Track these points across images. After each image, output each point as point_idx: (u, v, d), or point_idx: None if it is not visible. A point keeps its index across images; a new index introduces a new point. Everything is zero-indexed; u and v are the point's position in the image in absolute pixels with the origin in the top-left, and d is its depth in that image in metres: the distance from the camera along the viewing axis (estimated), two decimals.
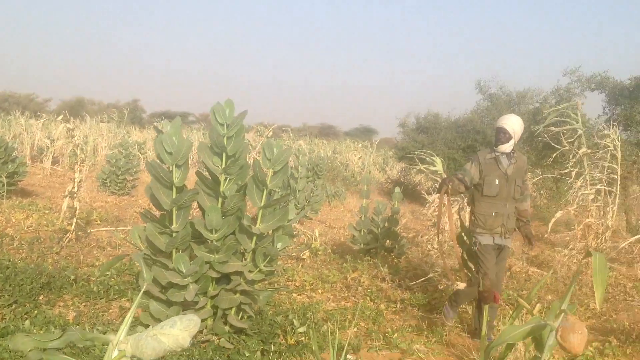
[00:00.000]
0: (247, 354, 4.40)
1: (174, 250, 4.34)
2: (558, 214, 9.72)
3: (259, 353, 4.49)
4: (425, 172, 10.62)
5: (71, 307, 5.41)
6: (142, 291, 2.29)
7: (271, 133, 25.48)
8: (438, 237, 6.20)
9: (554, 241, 11.31)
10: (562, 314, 1.96)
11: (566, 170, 10.14)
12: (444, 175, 9.21)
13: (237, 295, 4.54)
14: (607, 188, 10.06)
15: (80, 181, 8.29)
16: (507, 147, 5.41)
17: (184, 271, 4.20)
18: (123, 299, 5.70)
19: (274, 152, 4.28)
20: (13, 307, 5.11)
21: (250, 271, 4.47)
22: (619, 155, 10.11)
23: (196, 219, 4.34)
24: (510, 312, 6.25)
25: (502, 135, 5.39)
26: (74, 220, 7.91)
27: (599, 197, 10.09)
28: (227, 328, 4.61)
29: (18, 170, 11.99)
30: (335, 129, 59.87)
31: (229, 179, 4.33)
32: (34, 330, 4.56)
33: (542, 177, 13.63)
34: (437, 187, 5.74)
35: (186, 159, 4.14)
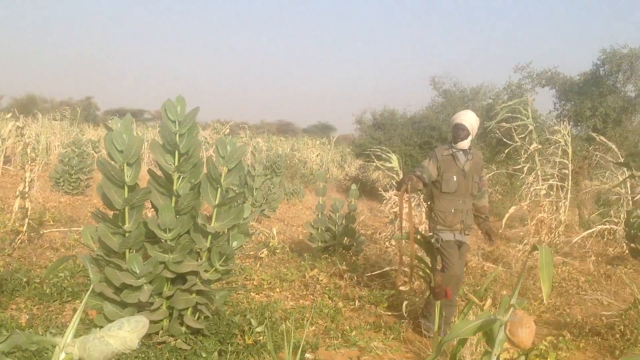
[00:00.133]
0: (204, 355, 4.34)
1: (127, 251, 4.25)
2: (511, 210, 9.89)
3: (216, 354, 4.43)
4: (382, 168, 10.67)
5: (24, 310, 5.26)
6: (88, 292, 2.21)
7: (228, 130, 25.36)
8: (401, 233, 6.21)
9: (509, 236, 11.49)
10: (511, 308, 1.97)
11: (519, 166, 10.33)
12: (400, 172, 9.27)
13: (193, 295, 4.47)
14: (559, 183, 10.27)
15: (31, 181, 8.09)
16: (465, 144, 5.45)
17: (138, 272, 4.11)
18: (77, 301, 5.58)
19: (228, 150, 4.22)
20: None
21: (206, 271, 4.40)
22: (569, 151, 10.34)
23: (149, 218, 4.25)
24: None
25: (461, 131, 5.42)
26: (26, 221, 7.70)
27: (551, 193, 10.30)
28: (183, 329, 4.54)
29: None
30: (293, 126, 59.78)
31: (182, 177, 4.25)
32: None
33: (496, 173, 13.85)
34: (396, 185, 5.75)
35: (138, 157, 4.05)
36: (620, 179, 11.20)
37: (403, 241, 6.28)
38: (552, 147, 10.60)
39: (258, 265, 7.80)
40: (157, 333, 4.53)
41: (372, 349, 5.10)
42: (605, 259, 9.72)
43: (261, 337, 4.83)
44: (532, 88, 14.69)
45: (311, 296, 6.64)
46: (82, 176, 13.95)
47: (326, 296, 6.58)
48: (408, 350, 5.25)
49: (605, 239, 11.17)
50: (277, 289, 6.78)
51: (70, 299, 5.62)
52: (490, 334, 2.26)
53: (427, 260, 5.66)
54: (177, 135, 4.14)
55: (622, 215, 10.66)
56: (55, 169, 14.05)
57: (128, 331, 1.76)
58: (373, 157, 11.13)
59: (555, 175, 10.37)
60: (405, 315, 5.94)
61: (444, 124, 17.15)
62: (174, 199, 4.28)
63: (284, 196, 15.83)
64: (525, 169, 10.19)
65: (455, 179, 5.37)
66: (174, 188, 4.24)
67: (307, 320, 5.59)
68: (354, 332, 5.41)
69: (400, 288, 5.42)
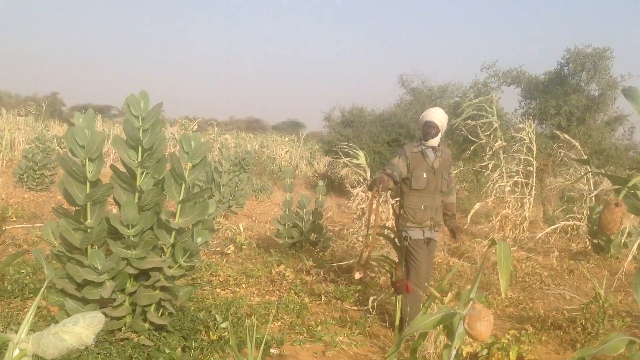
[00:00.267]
0: (167, 351, 4.30)
1: (89, 247, 4.20)
2: (477, 206, 10.01)
3: (179, 350, 4.41)
4: (349, 165, 10.71)
5: None
6: (42, 288, 2.19)
7: (196, 127, 25.21)
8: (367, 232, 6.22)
9: (474, 232, 11.62)
10: (470, 302, 2.00)
11: (484, 163, 10.45)
12: (367, 169, 9.31)
13: (157, 291, 4.44)
14: (523, 180, 10.42)
15: None
16: (435, 141, 5.48)
17: (100, 268, 4.07)
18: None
19: (192, 145, 4.19)
20: None
21: (169, 267, 4.37)
22: (534, 148, 10.50)
23: (112, 214, 4.21)
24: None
25: (431, 129, 5.43)
26: None
27: (516, 189, 10.44)
28: (146, 325, 4.50)
29: None
30: (262, 122, 59.65)
31: (146, 173, 4.21)
32: None
33: (463, 170, 13.98)
34: (369, 186, 5.75)
35: (100, 152, 4.00)
36: (584, 177, 11.38)
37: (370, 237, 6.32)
38: (517, 145, 10.75)
39: (224, 261, 7.77)
40: (119, 329, 4.48)
41: (338, 344, 5.12)
42: (568, 254, 9.89)
43: (226, 333, 4.81)
44: (498, 86, 14.86)
45: (277, 292, 6.64)
46: (47, 172, 13.73)
47: (292, 292, 6.59)
48: (373, 344, 5.28)
49: (568, 235, 11.37)
50: (243, 285, 6.77)
51: (32, 295, 5.54)
52: (450, 328, 2.29)
53: (394, 256, 5.70)
54: (141, 131, 4.10)
55: (584, 212, 10.86)
56: (19, 164, 13.80)
57: (83, 327, 1.74)
58: (340, 154, 11.16)
59: (520, 172, 10.52)
60: (372, 310, 5.98)
61: (412, 121, 17.24)
62: (137, 194, 4.25)
63: (252, 193, 15.79)
64: (490, 166, 10.32)
65: (424, 176, 5.39)
66: (137, 183, 4.20)
67: (272, 316, 5.59)
68: (319, 327, 5.43)
69: (356, 276, 5.43)
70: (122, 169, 4.31)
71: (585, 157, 10.86)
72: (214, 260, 7.77)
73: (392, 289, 5.45)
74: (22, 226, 8.75)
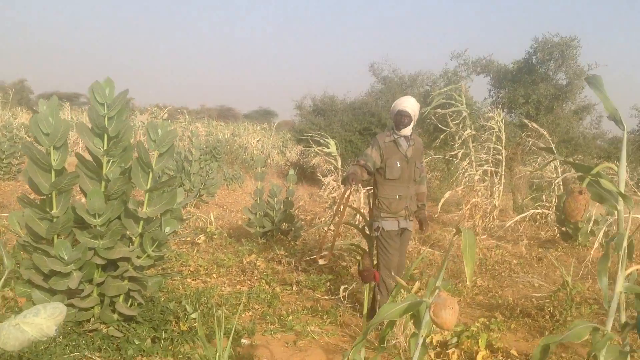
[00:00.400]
0: (136, 342, 4.27)
1: (55, 237, 4.13)
2: (447, 195, 10.07)
3: (149, 340, 4.37)
4: (320, 154, 10.69)
5: None
6: (2, 279, 2.15)
7: (167, 115, 24.95)
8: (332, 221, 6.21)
9: (445, 221, 11.70)
10: (436, 290, 2.00)
11: (454, 152, 10.51)
12: (338, 157, 9.30)
13: (125, 282, 4.39)
14: (493, 169, 10.50)
15: None
16: (408, 130, 5.44)
17: (66, 258, 4.01)
18: (6, 289, 5.38)
19: (159, 133, 4.13)
20: None
21: (138, 257, 4.32)
22: (503, 137, 10.58)
23: (78, 203, 4.14)
24: None
25: (405, 118, 5.39)
26: None
27: (486, 178, 10.52)
28: (115, 316, 4.46)
29: None
30: (234, 111, 59.04)
31: (112, 161, 4.15)
32: None
33: (433, 159, 14.05)
34: (341, 181, 5.72)
35: (65, 140, 3.93)
36: (552, 165, 11.52)
37: (342, 226, 6.32)
38: (486, 134, 10.83)
39: (195, 251, 7.72)
40: (88, 321, 4.44)
41: (309, 333, 5.12)
42: (537, 242, 10.00)
43: (196, 324, 4.78)
44: (467, 75, 14.89)
45: (248, 281, 6.62)
46: (14, 161, 13.53)
47: (264, 281, 6.57)
48: (344, 334, 5.29)
49: (537, 223, 11.50)
50: (214, 275, 6.73)
51: None
52: (417, 316, 2.29)
53: (366, 245, 5.70)
54: (106, 118, 4.03)
55: (553, 200, 10.99)
56: None
57: (44, 318, 1.71)
58: (311, 142, 11.12)
59: (490, 160, 10.60)
60: (343, 299, 5.98)
61: (384, 110, 17.24)
62: (103, 183, 4.18)
63: (223, 182, 15.70)
64: (460, 154, 10.38)
65: (398, 165, 5.35)
66: (104, 172, 4.14)
67: (242, 306, 5.56)
68: (290, 317, 5.42)
69: (320, 262, 5.42)
70: (88, 157, 4.24)
71: (553, 145, 10.96)
72: (184, 250, 7.71)
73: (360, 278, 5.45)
74: None
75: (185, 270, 6.77)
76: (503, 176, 10.74)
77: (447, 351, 4.61)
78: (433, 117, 11.31)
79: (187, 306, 4.92)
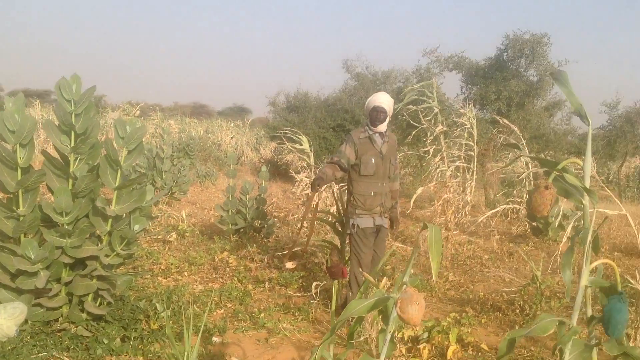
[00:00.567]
0: (106, 342, 4.22)
1: (22, 236, 4.07)
2: (419, 191, 10.12)
3: (118, 339, 4.33)
4: (294, 151, 10.68)
5: None
6: None
7: (139, 112, 24.71)
8: (302, 225, 6.21)
9: (418, 217, 11.76)
10: (403, 286, 2.01)
11: (427, 148, 10.56)
12: (311, 153, 9.29)
13: (94, 280, 4.34)
14: (465, 165, 10.58)
15: None
16: (384, 126, 5.43)
17: (33, 257, 3.95)
18: None
19: (128, 130, 4.09)
20: None
21: (106, 255, 4.28)
22: (475, 133, 10.66)
23: (45, 202, 4.08)
24: None
25: (381, 114, 5.37)
26: None
27: (458, 174, 10.59)
28: (84, 315, 4.41)
29: None
30: (208, 108, 58.78)
31: (79, 159, 4.10)
32: None
33: (407, 155, 14.10)
34: (311, 184, 5.68)
35: (31, 138, 3.88)
36: (523, 161, 11.63)
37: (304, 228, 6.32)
38: (458, 130, 10.89)
39: (166, 249, 7.66)
40: (56, 320, 4.39)
41: (281, 331, 5.11)
42: (508, 237, 10.10)
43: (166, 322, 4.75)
44: (440, 72, 14.98)
45: (220, 279, 6.59)
46: None
47: (236, 279, 6.54)
48: (317, 330, 5.29)
49: (509, 218, 11.60)
50: (186, 273, 6.69)
51: None
52: (385, 312, 2.30)
53: (337, 242, 5.70)
54: (73, 115, 3.98)
55: (524, 196, 11.11)
56: None
57: (4, 318, 1.69)
58: (284, 139, 11.10)
59: (462, 157, 10.66)
60: (315, 296, 5.98)
61: (357, 106, 17.29)
62: (70, 181, 4.13)
63: (196, 179, 15.61)
64: (432, 150, 10.44)
65: (373, 162, 5.34)
66: (71, 170, 4.09)
67: (212, 304, 5.54)
68: (262, 314, 5.41)
69: (288, 266, 5.41)
70: (55, 155, 4.18)
71: (524, 141, 11.07)
72: (155, 248, 7.65)
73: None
74: None
75: (156, 268, 6.72)
76: (475, 172, 10.82)
77: (418, 346, 4.63)
78: (405, 114, 11.35)
79: (157, 305, 4.88)
